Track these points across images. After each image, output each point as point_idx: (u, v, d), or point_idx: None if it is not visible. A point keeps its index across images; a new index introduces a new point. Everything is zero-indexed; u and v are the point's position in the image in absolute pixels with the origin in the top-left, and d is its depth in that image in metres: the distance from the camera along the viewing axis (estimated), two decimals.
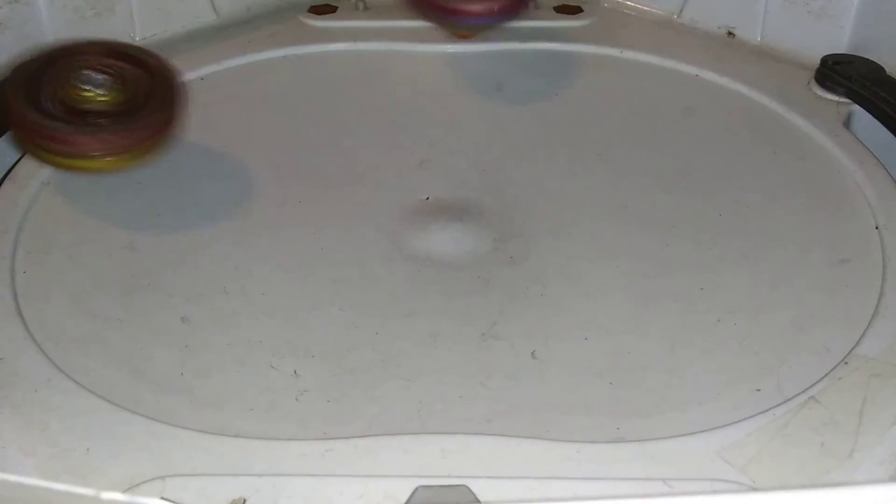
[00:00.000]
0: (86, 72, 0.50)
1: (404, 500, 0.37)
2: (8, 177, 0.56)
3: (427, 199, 0.56)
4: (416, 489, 0.37)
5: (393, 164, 0.59)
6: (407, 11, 0.66)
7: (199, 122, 0.63)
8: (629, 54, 0.69)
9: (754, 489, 0.38)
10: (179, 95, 0.53)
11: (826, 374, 0.43)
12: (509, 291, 0.49)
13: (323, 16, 0.74)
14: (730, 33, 0.71)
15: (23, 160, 0.57)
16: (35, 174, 0.56)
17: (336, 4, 0.75)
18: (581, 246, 0.52)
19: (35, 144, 0.50)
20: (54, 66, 0.51)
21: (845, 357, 0.44)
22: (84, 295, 0.48)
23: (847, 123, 0.62)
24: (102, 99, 0.50)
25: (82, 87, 0.49)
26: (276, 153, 0.60)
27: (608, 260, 0.51)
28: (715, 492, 0.37)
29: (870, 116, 0.61)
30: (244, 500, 0.37)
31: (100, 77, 0.50)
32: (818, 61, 0.65)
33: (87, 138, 0.49)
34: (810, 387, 0.43)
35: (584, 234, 0.53)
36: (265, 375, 0.44)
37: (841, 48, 0.66)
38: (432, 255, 0.52)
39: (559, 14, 0.74)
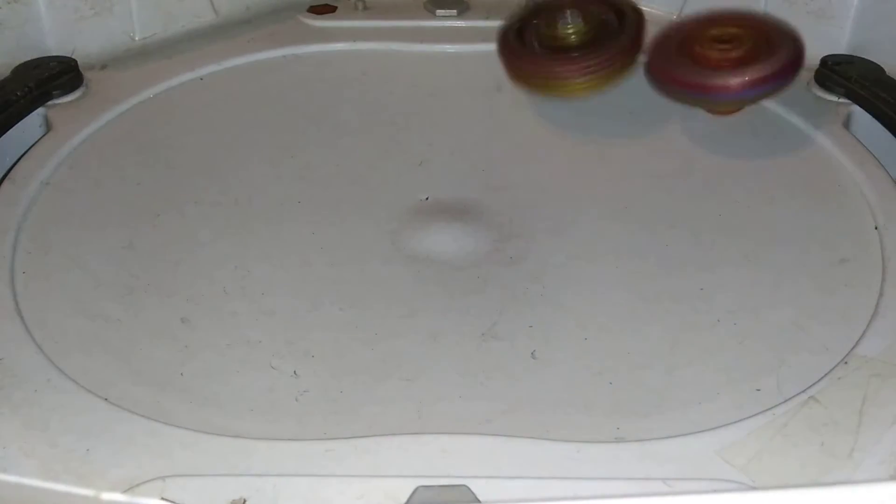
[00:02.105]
0: (564, 13, 0.60)
1: (404, 499, 0.37)
2: (7, 177, 0.56)
3: (427, 199, 0.56)
4: (417, 489, 0.37)
5: (392, 163, 0.59)
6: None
7: (198, 122, 0.63)
8: None
9: (754, 489, 0.38)
10: (642, 28, 0.61)
11: (826, 374, 0.43)
12: (509, 291, 0.49)
13: (322, 15, 0.74)
14: None
15: (22, 160, 0.57)
16: (35, 174, 0.56)
17: (335, 4, 0.75)
18: (581, 246, 0.52)
19: (528, 77, 0.61)
20: (537, 16, 0.62)
21: (845, 357, 0.44)
22: (83, 295, 0.48)
23: (847, 124, 0.62)
24: (572, 34, 0.60)
25: (559, 26, 0.60)
26: (276, 153, 0.60)
27: (608, 260, 0.51)
28: (715, 491, 0.37)
29: (869, 117, 0.61)
30: (244, 500, 0.37)
31: (572, 16, 0.60)
32: (818, 62, 0.65)
33: (565, 65, 0.59)
34: (810, 386, 0.42)
35: (584, 234, 0.53)
36: (265, 376, 0.44)
37: (840, 49, 0.66)
38: (432, 255, 0.52)
39: None
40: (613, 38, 0.60)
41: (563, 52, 0.60)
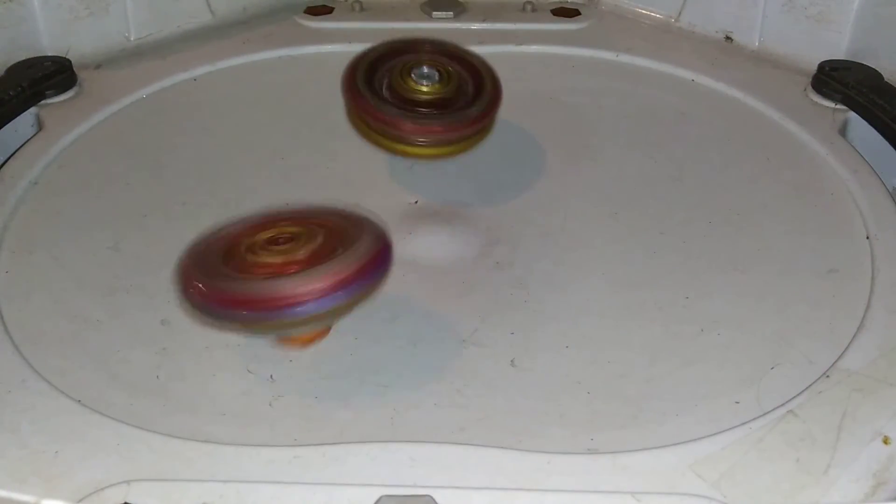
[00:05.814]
0: (421, 67, 0.54)
1: None
2: None
3: (415, 202, 0.56)
4: (380, 498, 0.37)
5: (382, 167, 0.59)
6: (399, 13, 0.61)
7: (190, 123, 0.63)
8: (625, 58, 0.69)
9: None
10: (496, 96, 0.55)
11: (807, 388, 0.42)
12: (493, 297, 0.49)
13: (318, 17, 0.74)
14: (727, 38, 0.70)
15: (11, 160, 0.58)
16: (23, 174, 0.56)
17: (332, 5, 0.75)
18: (568, 252, 0.52)
19: (367, 125, 0.54)
20: (390, 59, 0.55)
21: (827, 370, 0.43)
22: (65, 295, 0.48)
23: (843, 131, 0.61)
24: (429, 90, 0.54)
25: (416, 80, 0.54)
26: (266, 155, 0.60)
27: (595, 267, 0.51)
28: None
29: (866, 124, 0.60)
30: None
31: (432, 72, 0.54)
32: (815, 67, 0.64)
33: (413, 125, 0.52)
34: (789, 400, 0.42)
35: (572, 241, 0.53)
36: (241, 379, 0.44)
37: (839, 54, 0.65)
38: (418, 258, 0.52)
39: (556, 17, 0.74)
40: (466, 106, 0.54)
41: (412, 109, 0.53)
